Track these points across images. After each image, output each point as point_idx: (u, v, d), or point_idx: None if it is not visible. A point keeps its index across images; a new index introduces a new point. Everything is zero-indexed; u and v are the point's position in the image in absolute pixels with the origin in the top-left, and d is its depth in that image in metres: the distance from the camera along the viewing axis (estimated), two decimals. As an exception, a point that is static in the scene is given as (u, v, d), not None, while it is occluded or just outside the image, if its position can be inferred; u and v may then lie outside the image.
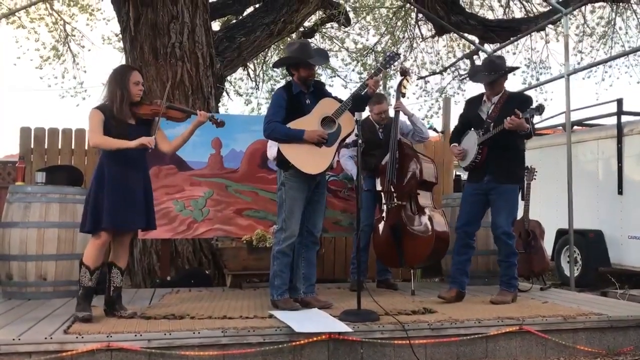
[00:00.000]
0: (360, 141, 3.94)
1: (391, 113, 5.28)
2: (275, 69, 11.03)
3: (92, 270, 3.75)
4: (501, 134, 4.41)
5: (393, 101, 5.33)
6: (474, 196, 4.65)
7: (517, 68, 5.24)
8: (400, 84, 5.13)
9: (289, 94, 4.16)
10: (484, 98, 4.70)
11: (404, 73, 5.21)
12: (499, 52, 8.19)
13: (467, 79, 11.21)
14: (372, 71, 4.38)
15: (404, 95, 5.15)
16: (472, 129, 4.71)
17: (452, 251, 4.84)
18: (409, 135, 5.29)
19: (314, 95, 4.23)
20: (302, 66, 4.15)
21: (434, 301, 4.47)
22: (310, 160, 4.03)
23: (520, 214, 6.07)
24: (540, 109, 4.37)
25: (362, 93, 4.14)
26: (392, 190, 4.98)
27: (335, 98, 4.27)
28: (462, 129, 4.82)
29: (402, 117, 5.23)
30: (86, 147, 6.24)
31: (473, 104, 4.79)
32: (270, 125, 4.07)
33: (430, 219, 4.80)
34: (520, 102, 4.49)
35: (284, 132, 4.05)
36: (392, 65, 4.55)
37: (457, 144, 4.78)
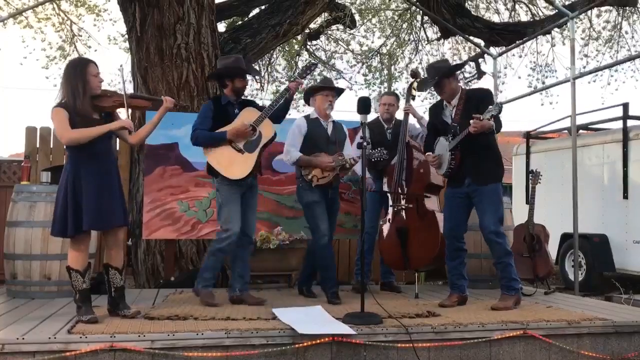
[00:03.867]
0: (365, 143, 3.95)
1: (400, 115, 5.27)
2: (279, 71, 11.07)
3: (83, 272, 3.71)
4: (470, 136, 4.31)
5: (402, 103, 5.32)
6: (456, 199, 4.56)
7: (462, 65, 5.16)
8: (410, 86, 5.14)
9: (217, 105, 4.46)
10: (445, 102, 4.61)
11: (415, 75, 5.20)
12: (504, 55, 8.18)
13: (472, 81, 11.23)
14: (292, 79, 4.58)
15: (413, 97, 5.17)
16: (441, 135, 4.63)
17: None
18: (419, 137, 5.26)
19: (243, 105, 4.50)
20: (239, 77, 4.46)
21: (438, 304, 4.45)
22: (232, 166, 4.31)
23: (524, 217, 6.06)
24: (498, 107, 4.20)
25: (285, 97, 4.45)
26: (400, 192, 4.98)
27: (260, 107, 4.55)
28: (432, 136, 4.72)
29: (412, 120, 5.22)
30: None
31: (436, 110, 4.69)
32: (194, 133, 4.37)
33: (436, 222, 4.78)
34: (479, 99, 4.39)
35: (208, 136, 4.34)
36: (309, 75, 4.83)
37: (431, 153, 4.65)
